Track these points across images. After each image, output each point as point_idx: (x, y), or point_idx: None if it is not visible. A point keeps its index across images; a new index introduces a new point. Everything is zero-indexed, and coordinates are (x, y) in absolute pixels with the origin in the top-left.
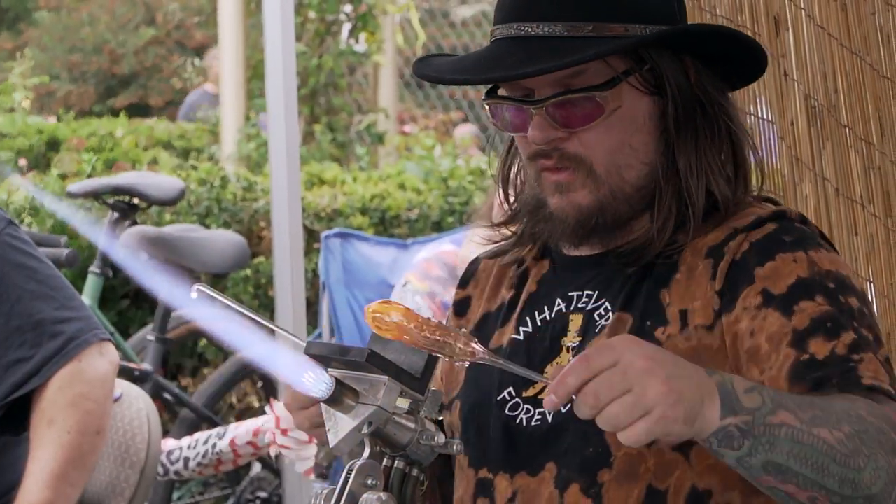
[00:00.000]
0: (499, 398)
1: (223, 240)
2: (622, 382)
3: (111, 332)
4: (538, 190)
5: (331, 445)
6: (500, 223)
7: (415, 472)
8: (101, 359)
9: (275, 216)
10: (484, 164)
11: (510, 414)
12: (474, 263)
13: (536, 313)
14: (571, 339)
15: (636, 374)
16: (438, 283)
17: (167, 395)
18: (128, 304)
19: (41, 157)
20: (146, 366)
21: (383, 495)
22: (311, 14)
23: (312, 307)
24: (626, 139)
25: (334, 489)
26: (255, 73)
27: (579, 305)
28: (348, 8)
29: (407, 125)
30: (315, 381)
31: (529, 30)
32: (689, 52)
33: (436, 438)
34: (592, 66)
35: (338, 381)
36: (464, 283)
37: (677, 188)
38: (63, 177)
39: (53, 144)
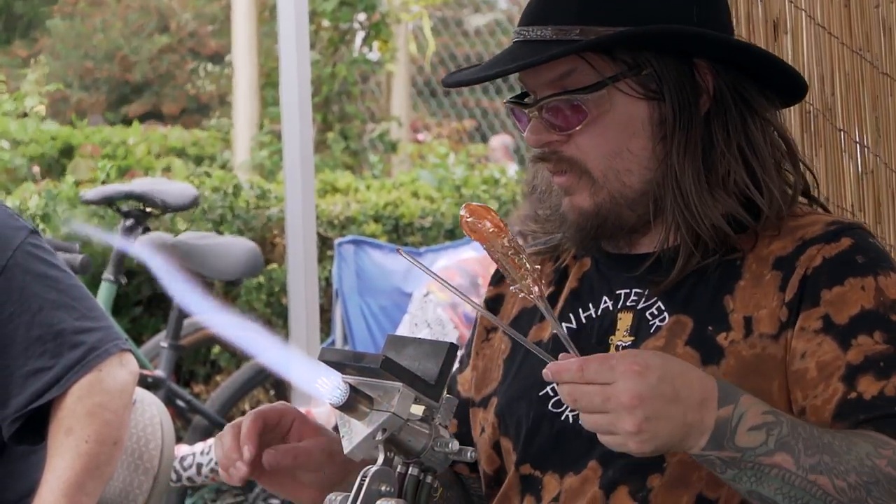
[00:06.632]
0: (541, 394)
1: (237, 247)
2: (601, 405)
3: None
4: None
5: (345, 452)
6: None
7: (429, 478)
8: (122, 369)
9: (288, 223)
10: (497, 173)
11: (554, 410)
12: None
13: (581, 310)
14: (622, 338)
15: (616, 405)
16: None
17: (180, 402)
18: (141, 310)
19: (55, 164)
20: (159, 372)
21: (397, 502)
22: (325, 22)
23: (325, 314)
24: (623, 144)
25: (348, 495)
26: (268, 80)
27: (628, 304)
28: (362, 16)
29: (420, 133)
30: (330, 387)
31: (527, 34)
32: (703, 57)
33: (450, 445)
34: (581, 70)
35: (352, 388)
36: (496, 280)
37: (675, 195)
38: (77, 183)
39: (67, 151)
